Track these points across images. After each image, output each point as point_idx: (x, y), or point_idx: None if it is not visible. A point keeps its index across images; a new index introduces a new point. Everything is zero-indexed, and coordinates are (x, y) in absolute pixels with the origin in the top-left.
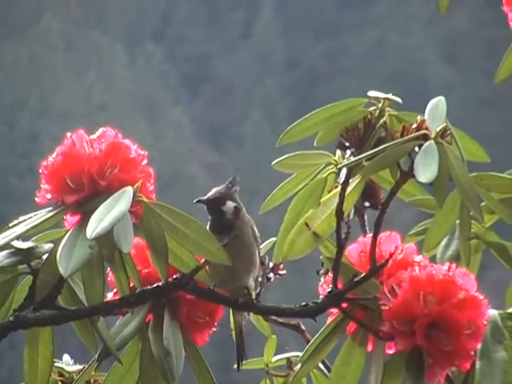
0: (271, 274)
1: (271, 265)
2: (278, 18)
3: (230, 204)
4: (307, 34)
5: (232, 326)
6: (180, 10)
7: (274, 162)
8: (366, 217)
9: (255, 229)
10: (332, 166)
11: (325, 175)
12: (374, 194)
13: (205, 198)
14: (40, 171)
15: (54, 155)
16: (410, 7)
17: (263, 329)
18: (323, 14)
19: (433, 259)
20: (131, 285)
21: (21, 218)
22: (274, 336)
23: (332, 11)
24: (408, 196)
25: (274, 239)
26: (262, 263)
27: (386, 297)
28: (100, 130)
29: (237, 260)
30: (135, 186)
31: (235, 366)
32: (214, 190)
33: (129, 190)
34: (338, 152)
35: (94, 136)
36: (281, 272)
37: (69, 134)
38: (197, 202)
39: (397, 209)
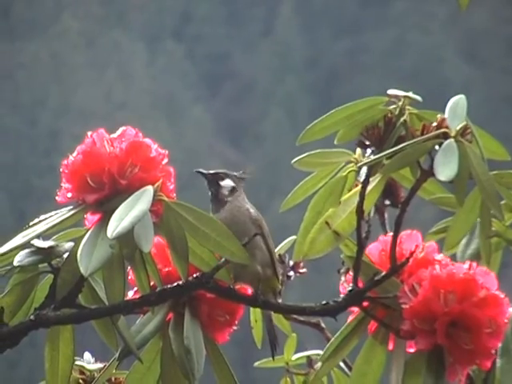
0: (291, 273)
1: (291, 263)
2: (298, 16)
3: (229, 182)
4: (327, 31)
5: (252, 324)
6: (200, 8)
7: (294, 160)
8: (386, 215)
9: (253, 214)
10: (352, 164)
11: (345, 173)
12: (394, 193)
13: (207, 172)
14: (61, 170)
15: (74, 154)
16: (430, 5)
17: (284, 327)
18: (343, 11)
19: (453, 257)
20: (152, 284)
21: (41, 217)
22: (294, 334)
23: (352, 9)
24: (428, 194)
25: (293, 237)
26: (283, 261)
27: (407, 295)
28: (120, 129)
29: None
30: (155, 185)
31: (256, 363)
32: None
33: (149, 189)
34: (358, 150)
35: (114, 135)
36: (301, 270)
37: (89, 133)
38: (197, 172)
39: (416, 207)
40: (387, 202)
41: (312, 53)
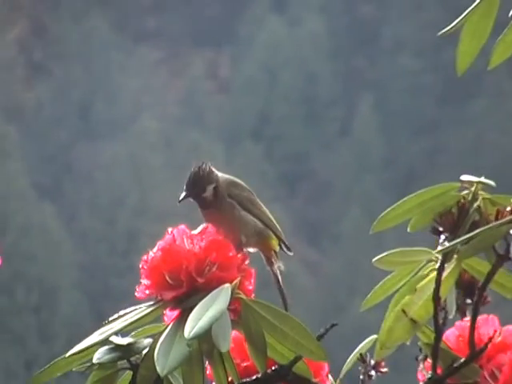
0: (372, 372)
1: (373, 362)
2: (376, 115)
3: (210, 187)
4: (405, 131)
5: None
6: (278, 108)
7: (374, 259)
8: (467, 314)
9: (236, 193)
10: (433, 262)
11: (426, 272)
12: (475, 291)
13: (187, 193)
14: (140, 266)
15: (154, 250)
16: (509, 103)
17: None
18: (421, 111)
19: None
20: (230, 379)
21: (120, 313)
22: None
23: (430, 108)
24: (509, 292)
25: (374, 336)
26: (364, 361)
27: (487, 381)
28: (201, 226)
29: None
30: (233, 283)
31: None
32: (191, 181)
33: (227, 288)
34: (439, 247)
35: (195, 232)
36: (383, 370)
37: (170, 229)
38: (181, 201)
39: (496, 305)
40: (469, 301)
41: (390, 152)
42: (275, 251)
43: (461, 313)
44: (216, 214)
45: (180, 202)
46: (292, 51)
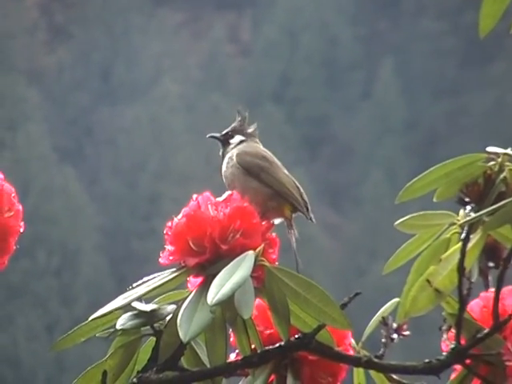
0: (395, 335)
1: (395, 325)
2: (398, 78)
3: (239, 138)
4: (427, 93)
5: None
6: (299, 71)
7: (396, 223)
8: (490, 277)
9: (247, 160)
10: (455, 226)
11: (448, 235)
12: (497, 254)
13: (219, 135)
14: (164, 232)
15: (179, 216)
16: None
17: None
18: (443, 73)
19: None
20: (253, 347)
21: (144, 279)
22: None
23: (452, 71)
24: None
25: (396, 300)
26: (386, 324)
27: (510, 352)
28: (226, 193)
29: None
30: (257, 250)
31: None
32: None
33: (250, 255)
34: (462, 212)
35: (220, 199)
36: (404, 333)
37: (195, 196)
38: (210, 137)
39: None
40: (491, 264)
41: (412, 115)
42: (289, 218)
43: (483, 276)
44: (227, 180)
45: (208, 137)
46: (313, 14)
